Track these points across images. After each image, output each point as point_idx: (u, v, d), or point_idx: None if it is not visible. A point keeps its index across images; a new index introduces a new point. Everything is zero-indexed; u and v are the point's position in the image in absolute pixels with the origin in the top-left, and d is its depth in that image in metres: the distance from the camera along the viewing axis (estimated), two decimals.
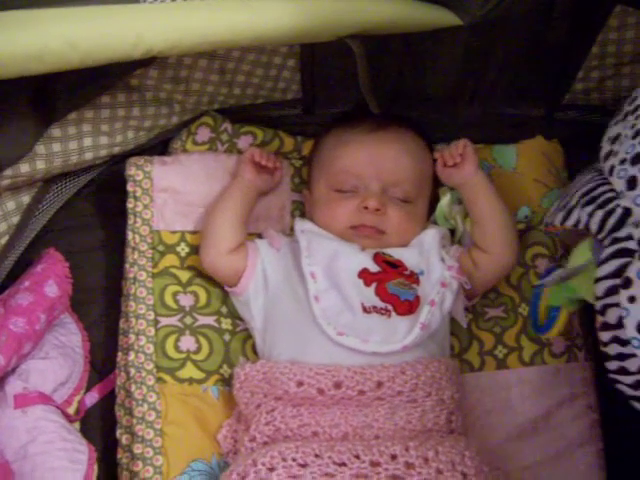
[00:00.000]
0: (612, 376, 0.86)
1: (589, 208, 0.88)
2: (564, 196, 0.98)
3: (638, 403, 0.85)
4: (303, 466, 0.92)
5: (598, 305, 0.84)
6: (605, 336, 0.84)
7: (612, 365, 0.85)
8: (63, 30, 0.79)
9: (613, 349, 0.84)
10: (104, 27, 0.82)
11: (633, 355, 0.82)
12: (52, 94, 0.99)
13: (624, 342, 0.81)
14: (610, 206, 0.86)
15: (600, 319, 0.84)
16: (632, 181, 0.85)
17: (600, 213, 0.86)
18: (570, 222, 0.91)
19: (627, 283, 0.80)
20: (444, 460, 0.93)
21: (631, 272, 0.80)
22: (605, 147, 0.93)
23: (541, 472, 1.09)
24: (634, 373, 0.83)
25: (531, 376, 1.14)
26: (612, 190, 0.88)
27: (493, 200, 1.14)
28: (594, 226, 0.87)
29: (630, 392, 0.85)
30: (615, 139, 0.92)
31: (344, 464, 0.92)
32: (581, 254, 0.91)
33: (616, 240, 0.83)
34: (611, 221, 0.85)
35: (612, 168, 0.89)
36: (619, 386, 0.86)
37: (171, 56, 1.04)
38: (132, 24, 0.84)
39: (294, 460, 0.92)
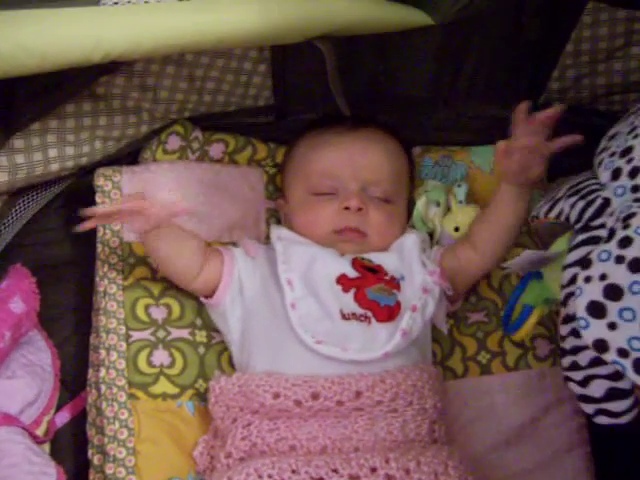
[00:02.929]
0: (565, 373, 0.85)
1: (572, 199, 0.88)
2: (554, 191, 0.97)
3: (585, 404, 0.83)
4: None
5: (562, 295, 0.83)
6: (564, 330, 0.84)
7: (566, 361, 0.85)
8: (16, 33, 0.76)
9: (569, 343, 0.83)
10: (61, 30, 0.80)
11: (585, 347, 0.81)
12: (13, 103, 0.96)
13: (579, 334, 0.79)
14: (592, 197, 0.86)
15: (562, 312, 0.83)
16: (617, 172, 0.85)
17: (581, 203, 0.86)
18: (553, 213, 0.90)
19: (587, 264, 0.80)
20: (426, 471, 0.90)
21: (593, 254, 0.79)
22: (601, 144, 0.94)
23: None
24: (584, 368, 0.82)
25: (516, 381, 1.12)
26: (598, 183, 0.88)
27: (521, 216, 1.09)
28: (574, 216, 0.86)
29: (579, 390, 0.84)
30: (612, 137, 0.92)
31: (322, 479, 0.89)
32: (557, 247, 0.90)
33: (589, 228, 0.83)
34: (590, 211, 0.85)
35: (601, 161, 0.89)
36: (570, 385, 0.85)
37: (133, 60, 1.01)
38: (91, 27, 0.81)
39: (270, 477, 0.89)
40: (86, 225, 1.01)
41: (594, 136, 1.03)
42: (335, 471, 0.90)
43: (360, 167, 1.12)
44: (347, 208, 1.10)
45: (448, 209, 1.19)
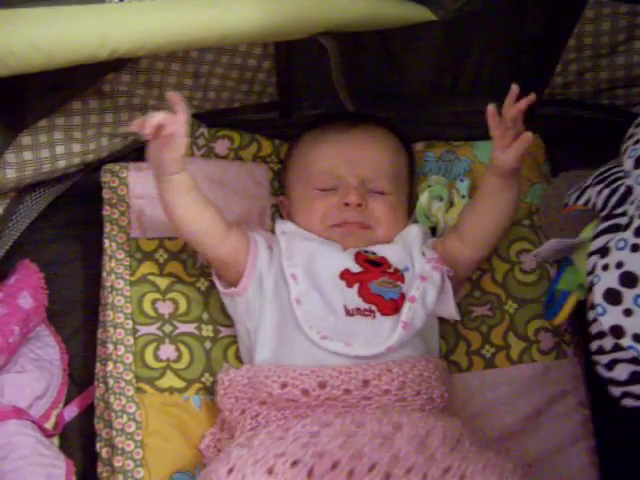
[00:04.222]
0: (593, 357, 0.86)
1: (599, 187, 0.89)
2: (585, 178, 0.98)
3: (613, 387, 0.84)
4: (286, 430, 0.91)
5: (588, 281, 0.84)
6: (591, 315, 0.85)
7: (594, 345, 0.86)
8: (23, 31, 0.77)
9: (595, 328, 0.84)
10: (68, 28, 0.81)
11: None
12: (20, 101, 0.98)
13: None
14: (616, 184, 0.87)
15: (590, 298, 0.84)
16: (639, 160, 0.86)
17: (606, 191, 0.88)
18: (582, 201, 0.92)
19: (605, 252, 0.81)
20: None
21: (611, 242, 0.81)
22: (630, 131, 0.94)
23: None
24: (608, 352, 0.83)
25: (520, 375, 1.12)
26: (622, 170, 0.89)
27: (505, 207, 1.08)
28: (599, 203, 0.87)
29: (605, 374, 0.85)
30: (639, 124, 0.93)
31: (318, 433, 0.90)
32: (585, 234, 0.91)
33: (612, 216, 0.84)
34: (614, 198, 0.86)
35: (626, 149, 0.90)
36: (598, 368, 0.86)
37: (139, 57, 1.02)
38: (97, 24, 0.82)
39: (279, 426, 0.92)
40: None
41: (597, 131, 1.04)
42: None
43: (359, 164, 1.13)
44: (347, 204, 1.11)
45: (451, 204, 1.20)
